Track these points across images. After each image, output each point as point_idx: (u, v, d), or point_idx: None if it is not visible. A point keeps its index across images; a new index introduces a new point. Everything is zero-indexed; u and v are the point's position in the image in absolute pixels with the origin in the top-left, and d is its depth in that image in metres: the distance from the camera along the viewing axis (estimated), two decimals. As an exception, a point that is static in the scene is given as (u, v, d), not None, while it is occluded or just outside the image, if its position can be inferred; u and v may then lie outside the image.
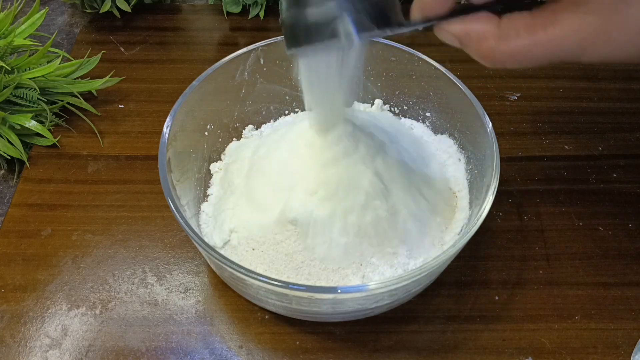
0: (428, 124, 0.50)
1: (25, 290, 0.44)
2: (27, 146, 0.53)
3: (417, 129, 0.50)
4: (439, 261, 0.36)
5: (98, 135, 0.54)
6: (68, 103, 0.54)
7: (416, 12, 0.32)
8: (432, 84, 0.48)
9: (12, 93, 0.51)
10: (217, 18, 0.67)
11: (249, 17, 0.66)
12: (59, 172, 0.52)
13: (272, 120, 0.52)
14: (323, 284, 0.39)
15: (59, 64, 0.54)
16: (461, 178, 0.46)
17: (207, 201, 0.46)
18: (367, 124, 0.43)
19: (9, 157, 0.51)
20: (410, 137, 0.48)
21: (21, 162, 0.52)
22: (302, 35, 0.31)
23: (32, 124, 0.51)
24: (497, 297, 0.44)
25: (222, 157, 0.49)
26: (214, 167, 0.48)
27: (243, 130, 0.51)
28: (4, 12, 0.54)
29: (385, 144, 0.42)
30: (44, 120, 0.53)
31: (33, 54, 0.54)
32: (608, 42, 0.29)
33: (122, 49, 0.63)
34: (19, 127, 0.51)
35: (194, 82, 0.44)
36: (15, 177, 0.52)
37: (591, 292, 0.45)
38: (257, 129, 0.51)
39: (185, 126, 0.44)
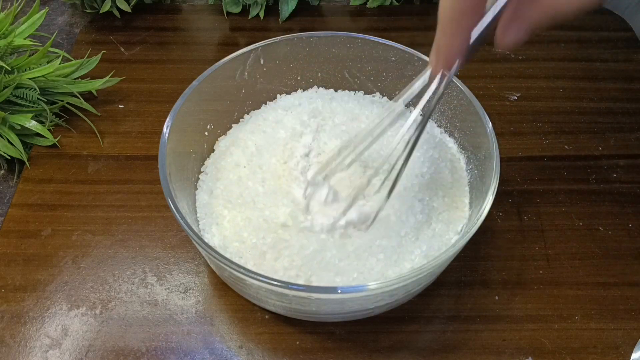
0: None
1: (25, 290, 0.44)
2: (27, 146, 0.53)
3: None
4: (439, 261, 0.36)
5: (98, 135, 0.54)
6: (68, 103, 0.55)
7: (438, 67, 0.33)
8: (432, 84, 0.47)
9: (12, 93, 0.51)
10: (217, 18, 0.67)
11: (249, 17, 0.66)
12: (59, 172, 0.52)
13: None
14: (323, 284, 0.39)
15: (59, 64, 0.54)
16: (461, 178, 0.46)
17: (207, 200, 0.46)
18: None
19: (9, 157, 0.51)
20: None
21: (21, 162, 0.52)
22: None
23: (32, 124, 0.51)
24: (497, 297, 0.44)
25: (214, 153, 0.48)
26: (210, 165, 0.47)
27: (243, 130, 0.51)
28: (4, 12, 0.54)
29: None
30: (44, 120, 0.53)
31: (33, 54, 0.54)
32: None
33: (122, 49, 0.63)
34: (19, 127, 0.51)
35: (194, 82, 0.44)
36: (15, 177, 0.52)
37: (591, 292, 0.45)
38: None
39: (185, 126, 0.44)
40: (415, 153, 0.46)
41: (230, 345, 0.42)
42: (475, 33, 0.31)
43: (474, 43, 0.31)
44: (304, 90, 0.52)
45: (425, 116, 0.35)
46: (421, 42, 0.63)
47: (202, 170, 0.47)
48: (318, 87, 0.52)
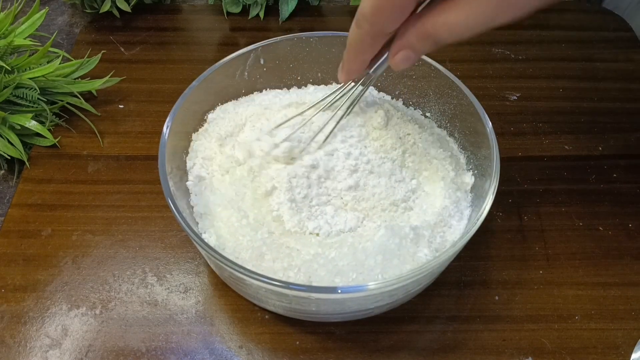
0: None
1: (25, 290, 0.44)
2: (27, 146, 0.53)
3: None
4: (439, 261, 0.36)
5: (98, 135, 0.54)
6: (68, 103, 0.55)
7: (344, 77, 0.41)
8: (432, 84, 0.48)
9: (12, 93, 0.51)
10: (217, 18, 0.67)
11: (249, 17, 0.66)
12: (59, 172, 0.52)
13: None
14: (323, 284, 0.39)
15: (59, 64, 0.54)
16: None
17: (204, 200, 0.46)
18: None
19: (9, 157, 0.51)
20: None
21: (21, 162, 0.52)
22: None
23: (32, 124, 0.51)
24: (497, 297, 0.44)
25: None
26: (207, 164, 0.47)
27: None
28: (4, 12, 0.54)
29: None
30: (44, 120, 0.53)
31: (33, 54, 0.54)
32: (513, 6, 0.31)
33: (122, 49, 0.63)
34: (19, 127, 0.51)
35: (194, 82, 0.44)
36: (15, 177, 0.52)
37: (591, 292, 0.45)
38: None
39: (186, 126, 0.44)
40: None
41: (230, 345, 0.42)
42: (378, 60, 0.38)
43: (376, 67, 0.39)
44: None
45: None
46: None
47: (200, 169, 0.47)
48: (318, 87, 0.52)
